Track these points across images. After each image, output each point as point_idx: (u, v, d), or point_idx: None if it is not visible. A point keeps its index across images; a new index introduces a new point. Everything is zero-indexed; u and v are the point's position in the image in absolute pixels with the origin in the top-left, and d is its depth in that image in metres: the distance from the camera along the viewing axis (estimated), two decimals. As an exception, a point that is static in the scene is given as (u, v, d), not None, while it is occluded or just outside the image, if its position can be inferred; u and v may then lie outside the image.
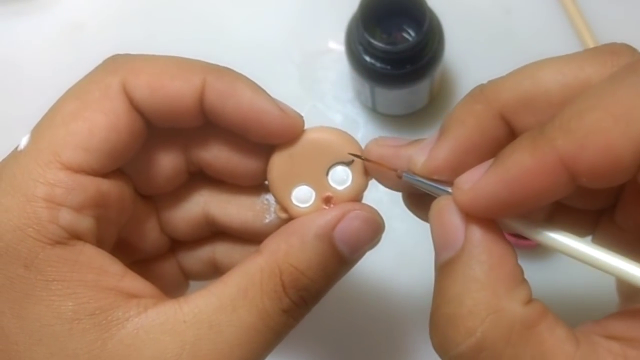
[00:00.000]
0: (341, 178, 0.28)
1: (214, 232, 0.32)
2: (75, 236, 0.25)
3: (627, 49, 0.23)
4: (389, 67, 0.40)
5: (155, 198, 0.32)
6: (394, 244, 0.45)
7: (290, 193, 0.28)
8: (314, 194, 0.28)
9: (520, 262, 0.46)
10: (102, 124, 0.26)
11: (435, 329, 0.24)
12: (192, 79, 0.26)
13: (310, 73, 0.47)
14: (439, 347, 0.24)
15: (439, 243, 0.25)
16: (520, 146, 0.22)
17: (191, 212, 0.32)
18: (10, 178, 0.25)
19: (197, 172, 0.31)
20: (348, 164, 0.28)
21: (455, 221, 0.24)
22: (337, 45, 0.48)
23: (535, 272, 0.44)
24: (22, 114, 0.48)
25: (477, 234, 0.23)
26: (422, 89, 0.43)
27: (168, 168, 0.30)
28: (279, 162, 0.28)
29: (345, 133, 0.28)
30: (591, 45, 0.45)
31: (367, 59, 0.41)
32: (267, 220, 0.31)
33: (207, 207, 0.31)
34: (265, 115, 0.27)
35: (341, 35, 0.42)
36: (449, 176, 0.24)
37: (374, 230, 0.27)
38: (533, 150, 0.21)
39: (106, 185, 0.26)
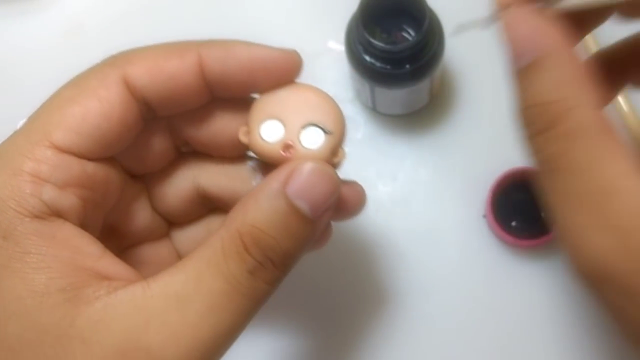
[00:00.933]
0: (312, 139, 0.28)
1: (208, 208, 0.32)
2: (56, 213, 0.25)
3: None
4: (389, 67, 0.40)
5: (146, 178, 0.32)
6: (393, 244, 0.45)
7: (262, 122, 0.28)
8: (281, 136, 0.28)
9: (520, 261, 0.46)
10: (95, 110, 0.26)
11: (519, 121, 0.25)
12: (187, 55, 0.27)
13: (310, 73, 0.47)
14: (525, 127, 0.25)
15: (523, 46, 0.25)
16: None
17: (182, 187, 0.32)
18: (2, 153, 0.26)
19: (185, 148, 0.31)
20: (327, 132, 0.28)
21: (540, 25, 0.24)
22: (337, 45, 0.48)
23: (536, 272, 0.44)
24: (21, 113, 0.49)
25: (551, 37, 0.24)
26: (422, 88, 0.43)
27: (156, 146, 0.30)
28: (266, 97, 0.28)
29: (336, 104, 0.29)
30: (591, 44, 0.45)
31: (367, 58, 0.41)
32: (254, 183, 0.31)
33: (197, 180, 0.32)
34: (267, 62, 0.28)
35: (341, 35, 0.42)
36: None
37: (327, 182, 0.27)
38: None
39: (92, 168, 0.27)
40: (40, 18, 0.51)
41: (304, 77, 0.29)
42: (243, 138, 0.28)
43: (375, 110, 0.46)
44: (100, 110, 0.26)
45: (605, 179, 0.23)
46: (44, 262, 0.24)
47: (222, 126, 0.30)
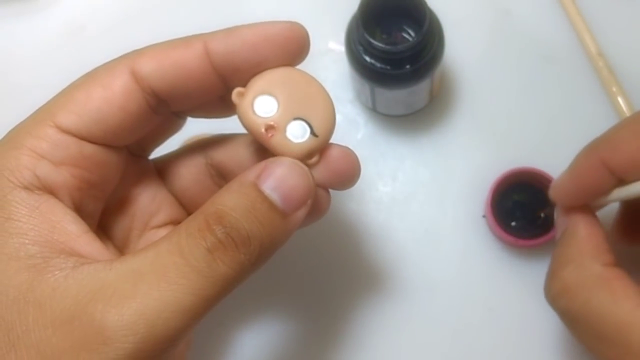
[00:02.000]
0: (297, 133, 0.28)
1: None
2: (48, 188, 0.27)
3: None
4: (389, 67, 0.40)
5: (159, 163, 0.33)
6: (393, 244, 0.45)
7: (260, 93, 0.28)
8: (271, 115, 0.28)
9: (520, 261, 0.47)
10: (98, 95, 0.27)
11: (545, 282, 0.33)
12: (192, 44, 0.28)
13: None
14: (545, 293, 0.33)
15: (556, 228, 0.35)
16: (579, 154, 0.32)
17: (195, 165, 0.33)
18: (13, 129, 0.28)
19: (181, 114, 0.32)
20: (313, 133, 0.28)
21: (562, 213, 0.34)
22: (337, 45, 0.48)
23: (536, 272, 0.44)
24: (21, 113, 0.49)
25: (576, 219, 0.33)
26: (422, 89, 0.43)
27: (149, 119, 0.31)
28: (275, 72, 0.28)
29: (334, 113, 0.29)
30: (591, 46, 0.46)
31: (367, 59, 0.41)
32: (251, 150, 0.31)
33: (210, 156, 0.33)
34: (270, 34, 0.28)
35: (341, 35, 0.42)
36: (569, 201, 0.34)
37: (300, 177, 0.27)
38: (586, 155, 0.32)
39: (90, 150, 0.28)
40: (40, 18, 0.51)
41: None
42: (235, 99, 0.28)
43: (375, 110, 0.46)
44: (103, 95, 0.27)
45: (616, 319, 0.28)
46: (21, 229, 0.26)
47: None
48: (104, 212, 0.31)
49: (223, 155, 0.32)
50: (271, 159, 0.27)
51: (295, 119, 0.28)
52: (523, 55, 0.47)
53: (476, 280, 0.44)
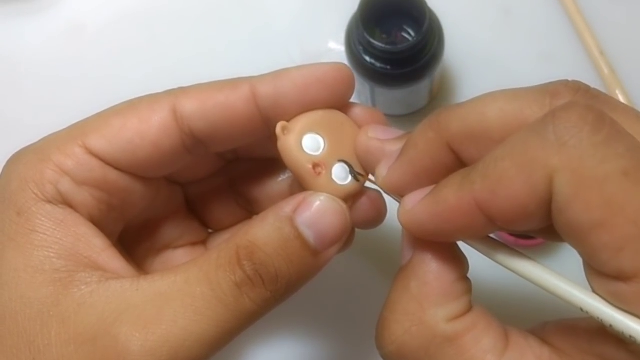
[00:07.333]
0: (340, 176, 0.28)
1: (248, 212, 0.33)
2: (68, 204, 0.27)
3: (569, 89, 0.23)
4: (389, 67, 0.40)
5: (187, 191, 0.33)
6: (393, 243, 0.44)
7: (310, 131, 0.28)
8: (317, 154, 0.28)
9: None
10: (133, 126, 0.27)
11: (376, 327, 0.26)
12: (239, 86, 0.28)
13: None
14: (376, 343, 0.26)
15: (401, 251, 0.27)
16: (450, 183, 0.23)
17: (221, 191, 0.33)
18: (45, 140, 0.28)
19: (231, 156, 0.32)
20: (355, 177, 0.28)
21: (409, 234, 0.26)
22: (337, 45, 0.48)
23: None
24: (22, 114, 0.49)
25: (424, 249, 0.25)
26: (422, 89, 0.43)
27: (202, 160, 0.31)
28: (325, 113, 0.28)
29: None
30: (592, 46, 0.45)
31: (367, 59, 0.41)
32: (280, 179, 0.32)
33: (236, 183, 0.33)
34: (320, 75, 0.28)
35: (341, 35, 0.42)
36: (404, 193, 0.26)
37: (338, 217, 0.27)
38: (457, 190, 0.23)
39: (115, 176, 0.28)
40: (41, 18, 0.51)
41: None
42: (279, 132, 0.28)
43: (375, 110, 0.46)
44: (138, 127, 0.27)
45: None
46: (46, 242, 0.26)
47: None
48: (125, 230, 0.31)
49: (250, 184, 0.32)
50: (310, 193, 0.27)
51: (340, 161, 0.28)
52: (523, 55, 0.47)
53: (476, 281, 0.44)
